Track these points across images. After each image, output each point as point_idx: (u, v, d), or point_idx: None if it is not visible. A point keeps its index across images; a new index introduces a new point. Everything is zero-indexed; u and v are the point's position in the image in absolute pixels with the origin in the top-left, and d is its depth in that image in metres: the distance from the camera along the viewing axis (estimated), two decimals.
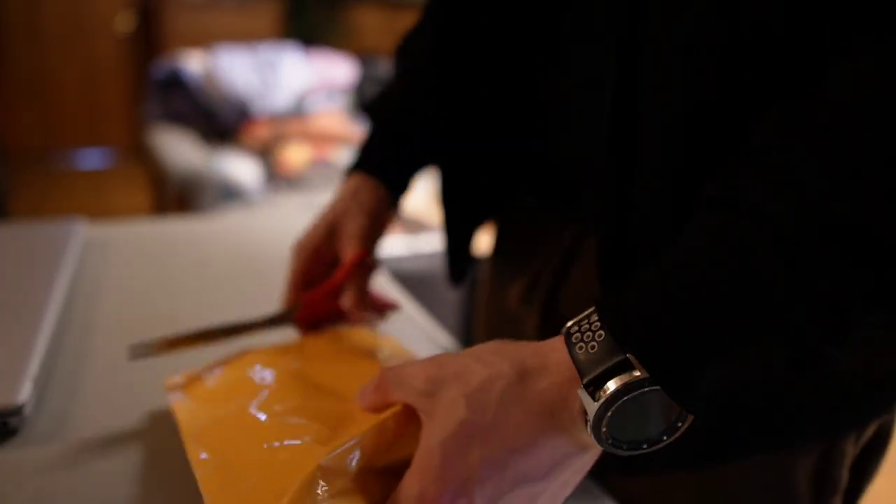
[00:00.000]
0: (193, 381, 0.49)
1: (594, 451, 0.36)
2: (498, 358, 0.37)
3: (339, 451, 0.37)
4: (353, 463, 0.37)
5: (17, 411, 0.47)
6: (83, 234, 0.83)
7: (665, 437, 0.34)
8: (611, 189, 0.42)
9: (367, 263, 0.57)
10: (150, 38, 4.10)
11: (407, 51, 0.65)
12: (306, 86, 3.03)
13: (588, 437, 0.34)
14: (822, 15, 0.34)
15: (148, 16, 4.14)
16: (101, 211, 3.64)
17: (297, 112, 2.98)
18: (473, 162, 0.59)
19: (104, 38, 4.30)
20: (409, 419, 0.38)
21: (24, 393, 0.48)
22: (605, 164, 0.42)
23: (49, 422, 0.50)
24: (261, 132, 2.83)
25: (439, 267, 1.83)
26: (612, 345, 0.33)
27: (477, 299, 0.66)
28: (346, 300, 0.56)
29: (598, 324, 0.34)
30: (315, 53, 3.21)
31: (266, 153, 2.74)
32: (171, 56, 3.19)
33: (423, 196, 2.23)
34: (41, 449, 0.47)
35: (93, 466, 0.45)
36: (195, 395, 0.48)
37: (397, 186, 0.61)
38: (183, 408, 0.47)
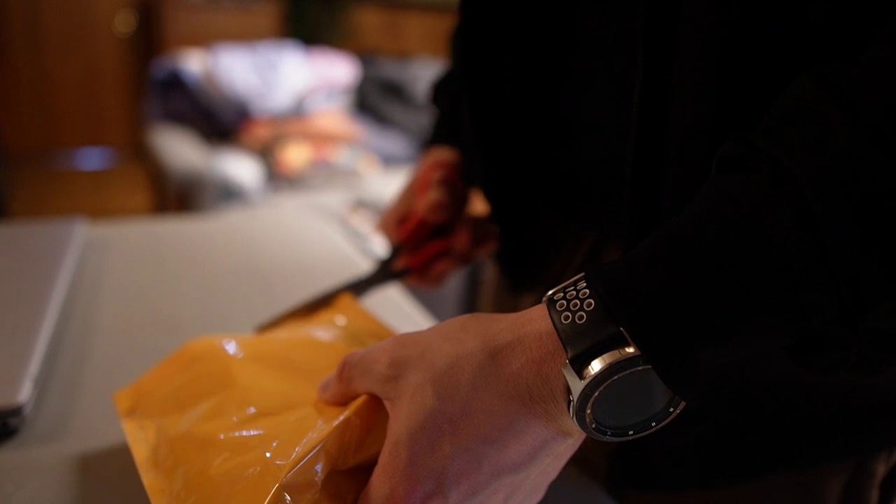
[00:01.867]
0: (144, 390, 0.45)
1: (578, 436, 0.33)
2: (467, 334, 0.33)
3: (301, 463, 0.33)
4: (320, 471, 0.34)
5: (17, 411, 0.47)
6: (83, 234, 0.82)
7: (654, 424, 0.31)
8: (638, 199, 0.39)
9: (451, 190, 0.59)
10: (150, 38, 4.10)
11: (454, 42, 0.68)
12: (306, 86, 3.03)
13: (570, 421, 0.30)
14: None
15: (148, 16, 4.14)
16: (101, 211, 3.64)
17: (297, 112, 2.98)
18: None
19: (104, 38, 4.30)
20: (376, 409, 0.35)
21: (24, 393, 0.48)
22: (632, 174, 0.39)
23: (49, 422, 0.49)
24: (261, 132, 2.83)
25: None
26: (603, 315, 0.29)
27: (480, 301, 0.66)
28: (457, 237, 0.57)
29: (587, 291, 0.30)
30: (315, 53, 3.21)
31: (266, 153, 2.74)
32: (171, 56, 3.19)
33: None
34: (41, 449, 0.46)
35: (93, 466, 0.45)
36: (145, 409, 0.44)
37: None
38: (133, 428, 0.42)
